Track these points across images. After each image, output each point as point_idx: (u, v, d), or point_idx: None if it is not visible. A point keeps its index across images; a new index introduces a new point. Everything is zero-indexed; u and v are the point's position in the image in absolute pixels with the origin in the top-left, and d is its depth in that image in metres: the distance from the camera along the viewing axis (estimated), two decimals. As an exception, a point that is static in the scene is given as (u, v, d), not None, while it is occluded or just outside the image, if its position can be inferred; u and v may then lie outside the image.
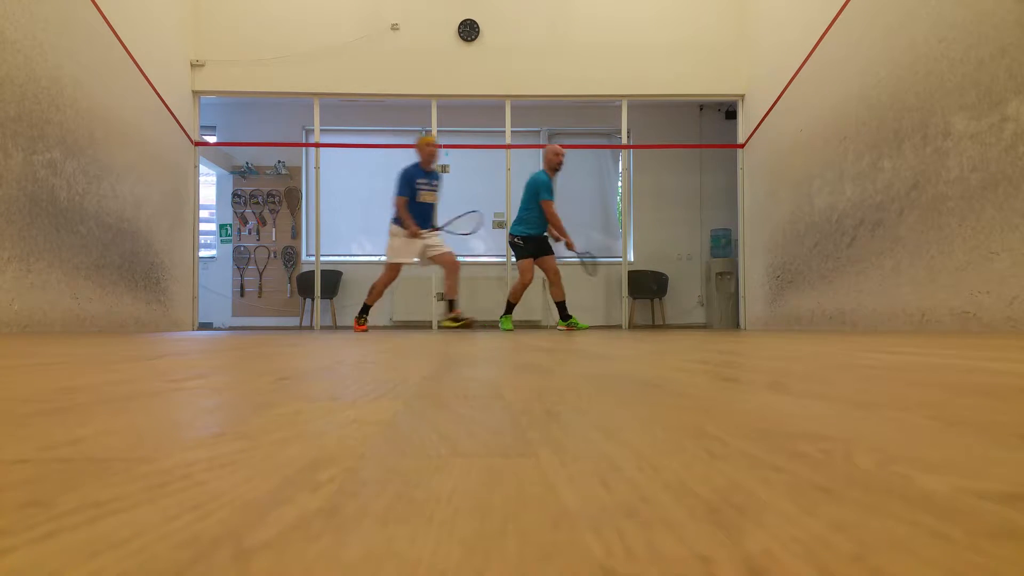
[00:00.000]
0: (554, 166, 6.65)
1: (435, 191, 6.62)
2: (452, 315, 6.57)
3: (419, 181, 6.49)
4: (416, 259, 6.59)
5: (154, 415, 0.78)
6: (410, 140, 10.29)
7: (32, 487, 0.44)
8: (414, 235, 6.41)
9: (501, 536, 0.33)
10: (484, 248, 10.27)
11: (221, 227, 10.22)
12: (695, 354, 2.08)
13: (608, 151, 10.28)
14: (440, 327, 6.72)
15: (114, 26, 6.07)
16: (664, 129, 10.03)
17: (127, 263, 6.30)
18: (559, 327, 6.70)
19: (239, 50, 7.85)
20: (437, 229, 6.69)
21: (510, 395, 0.96)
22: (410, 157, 10.27)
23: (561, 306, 6.65)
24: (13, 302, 4.61)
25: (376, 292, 6.53)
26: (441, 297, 8.45)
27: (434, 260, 6.58)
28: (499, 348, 2.59)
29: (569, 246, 6.54)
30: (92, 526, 0.35)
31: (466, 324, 6.58)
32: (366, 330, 6.47)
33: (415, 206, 6.49)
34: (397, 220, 6.60)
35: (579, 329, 6.53)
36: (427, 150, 6.52)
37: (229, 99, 9.18)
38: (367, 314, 6.58)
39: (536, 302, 9.85)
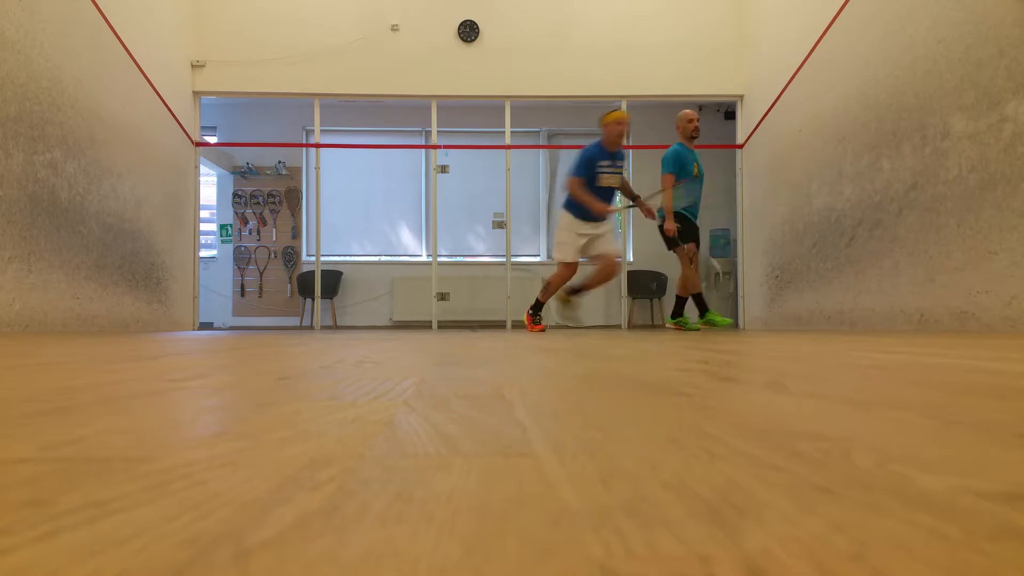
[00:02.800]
0: (688, 133, 6.01)
1: (619, 174, 5.78)
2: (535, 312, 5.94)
3: (601, 163, 5.67)
4: (582, 258, 5.85)
5: (155, 414, 0.78)
6: (410, 141, 10.37)
7: (33, 487, 0.44)
8: (600, 211, 5.59)
9: (501, 535, 0.34)
10: (484, 248, 10.27)
11: (221, 227, 10.23)
12: (694, 354, 2.08)
13: (608, 151, 10.27)
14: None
15: (115, 26, 6.07)
16: (664, 129, 10.01)
17: (128, 263, 6.30)
18: (668, 324, 6.18)
19: (239, 50, 7.85)
20: (633, 205, 5.97)
21: (510, 395, 0.96)
22: (409, 157, 10.34)
23: (680, 302, 6.08)
24: (14, 302, 4.61)
25: (551, 289, 5.82)
26: (442, 297, 8.46)
27: (593, 260, 5.81)
28: (499, 348, 2.59)
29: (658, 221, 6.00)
30: (93, 526, 0.35)
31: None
32: (543, 330, 5.80)
33: (593, 191, 5.62)
34: (569, 204, 5.75)
35: (688, 330, 5.86)
36: (615, 128, 5.64)
37: (229, 99, 9.18)
38: (540, 311, 5.92)
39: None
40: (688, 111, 6.13)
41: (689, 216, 6.01)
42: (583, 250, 5.77)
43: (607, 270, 5.73)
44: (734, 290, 8.98)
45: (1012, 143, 4.01)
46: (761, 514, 0.36)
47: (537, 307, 5.90)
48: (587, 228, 5.71)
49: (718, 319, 6.05)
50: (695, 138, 6.05)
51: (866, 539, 0.32)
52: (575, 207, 5.68)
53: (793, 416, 0.74)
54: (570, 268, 5.75)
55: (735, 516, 0.36)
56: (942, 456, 0.52)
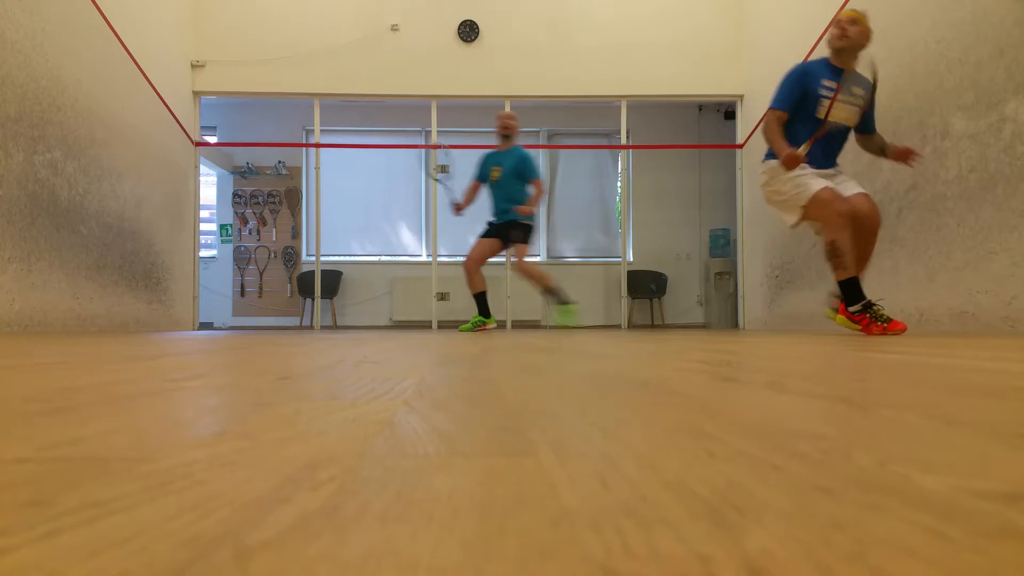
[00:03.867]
0: (499, 132, 5.99)
1: (855, 105, 3.94)
2: None
3: (824, 82, 3.88)
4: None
5: (155, 414, 0.78)
6: (410, 140, 10.35)
7: (32, 487, 0.44)
8: (789, 162, 3.81)
9: (501, 535, 0.34)
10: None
11: (221, 227, 10.23)
12: (694, 354, 2.08)
13: (607, 151, 10.28)
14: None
15: (115, 26, 6.07)
16: (663, 129, 10.04)
17: (128, 263, 6.30)
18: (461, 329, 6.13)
19: (239, 50, 7.85)
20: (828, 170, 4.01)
21: (510, 395, 0.96)
22: (409, 157, 10.32)
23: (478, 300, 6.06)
24: (14, 302, 4.61)
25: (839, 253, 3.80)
26: (442, 297, 8.45)
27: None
28: (499, 348, 2.59)
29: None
30: (92, 525, 0.35)
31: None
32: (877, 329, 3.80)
33: (802, 129, 3.93)
34: (771, 154, 4.00)
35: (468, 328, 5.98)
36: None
37: (229, 99, 9.18)
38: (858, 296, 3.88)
39: (536, 301, 9.85)
40: (506, 111, 6.05)
41: (493, 219, 6.02)
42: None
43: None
44: (734, 290, 8.98)
45: (1012, 143, 4.01)
46: (761, 514, 0.36)
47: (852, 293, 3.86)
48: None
49: (467, 326, 6.14)
50: (508, 137, 5.92)
51: (866, 539, 0.32)
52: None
53: (793, 416, 0.74)
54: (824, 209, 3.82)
55: (735, 516, 0.36)
56: (942, 456, 0.52)
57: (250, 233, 10.17)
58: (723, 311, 9.53)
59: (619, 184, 10.11)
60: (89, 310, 5.60)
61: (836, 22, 4.00)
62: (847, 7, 5.80)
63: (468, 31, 8.08)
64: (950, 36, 4.54)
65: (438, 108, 8.25)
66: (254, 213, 10.17)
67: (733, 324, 9.15)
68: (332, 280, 9.66)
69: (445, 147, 8.47)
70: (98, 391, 1.02)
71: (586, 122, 10.16)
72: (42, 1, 5.07)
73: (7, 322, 4.53)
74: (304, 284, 9.54)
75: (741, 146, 8.21)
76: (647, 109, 9.56)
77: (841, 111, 3.96)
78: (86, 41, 5.68)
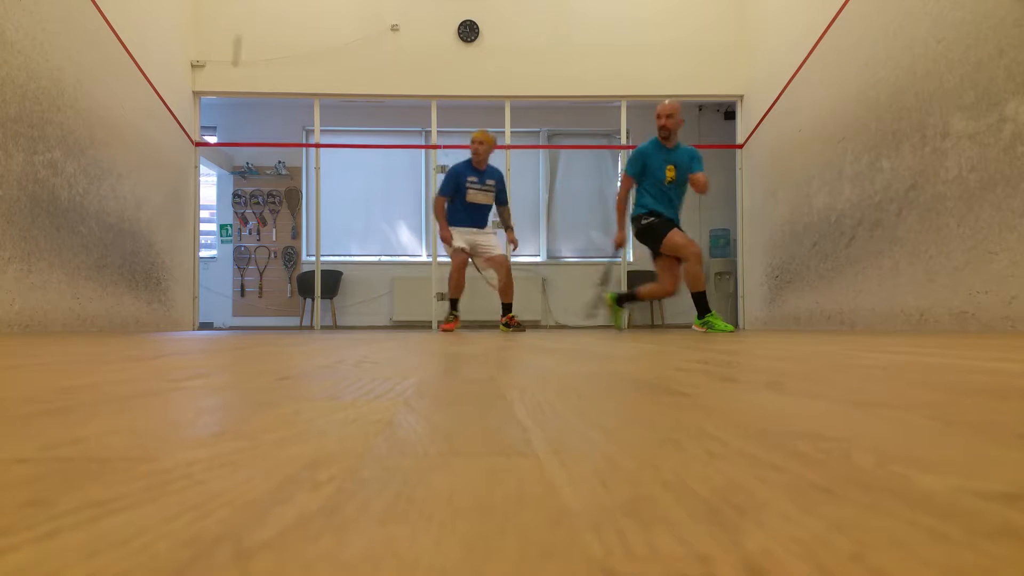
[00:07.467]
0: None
1: (487, 192, 6.18)
2: (505, 319, 6.13)
3: (469, 179, 6.11)
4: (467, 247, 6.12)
5: (154, 414, 0.78)
6: (410, 141, 10.36)
7: (32, 487, 0.44)
8: (444, 239, 6.12)
9: (501, 535, 0.34)
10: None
11: (221, 227, 10.23)
12: (694, 354, 2.08)
13: (608, 151, 10.28)
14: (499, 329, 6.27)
15: (115, 27, 6.07)
16: (663, 130, 10.02)
17: (128, 263, 6.29)
18: (695, 326, 5.64)
19: (240, 51, 7.84)
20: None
21: (510, 395, 0.96)
22: (409, 157, 10.34)
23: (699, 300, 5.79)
24: (14, 302, 4.61)
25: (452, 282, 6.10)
26: (442, 297, 8.44)
27: (488, 263, 6.26)
28: (499, 348, 2.59)
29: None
30: (92, 525, 0.35)
31: (519, 328, 6.11)
32: (452, 329, 6.06)
33: (463, 206, 6.14)
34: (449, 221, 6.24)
35: (717, 330, 5.36)
36: (473, 147, 6.14)
37: (229, 99, 9.18)
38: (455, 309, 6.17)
39: (536, 302, 9.86)
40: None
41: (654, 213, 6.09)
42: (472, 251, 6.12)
43: (502, 266, 6.12)
44: (734, 290, 8.98)
45: (1012, 143, 4.01)
46: (761, 514, 0.36)
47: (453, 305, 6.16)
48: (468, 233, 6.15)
49: (719, 324, 5.43)
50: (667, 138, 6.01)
51: (866, 539, 0.32)
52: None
53: (793, 416, 0.74)
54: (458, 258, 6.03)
55: (735, 516, 0.36)
56: (942, 456, 0.52)
57: (250, 233, 10.17)
58: (723, 311, 9.52)
59: (619, 184, 10.10)
60: (89, 310, 5.60)
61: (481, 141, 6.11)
62: (845, 8, 5.80)
63: (468, 31, 8.08)
64: (950, 36, 4.54)
65: (438, 108, 8.24)
66: (254, 213, 10.17)
67: (733, 324, 9.15)
68: (332, 280, 9.66)
69: (445, 147, 8.47)
70: (98, 391, 1.02)
71: (586, 122, 10.16)
72: (42, 1, 5.07)
73: (7, 322, 4.53)
74: (304, 284, 9.54)
75: (741, 146, 8.21)
76: (647, 109, 9.53)
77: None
78: (86, 41, 5.68)
